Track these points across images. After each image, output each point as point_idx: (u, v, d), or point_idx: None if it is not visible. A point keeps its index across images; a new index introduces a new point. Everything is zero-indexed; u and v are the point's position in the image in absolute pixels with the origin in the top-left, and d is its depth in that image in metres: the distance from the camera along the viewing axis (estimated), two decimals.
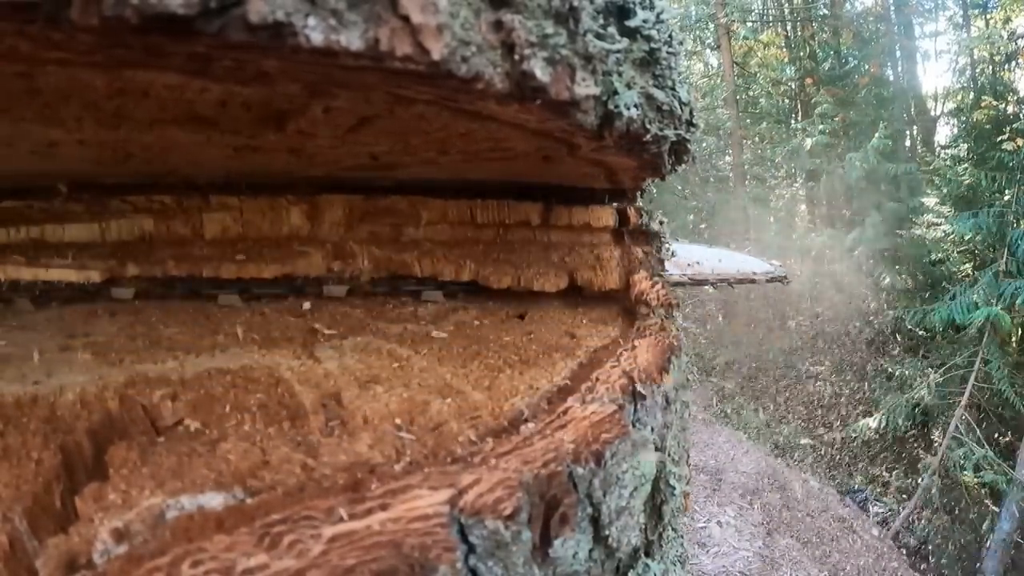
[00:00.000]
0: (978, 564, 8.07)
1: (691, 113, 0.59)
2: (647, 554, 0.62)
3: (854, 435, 9.59)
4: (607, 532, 0.49)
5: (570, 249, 0.94)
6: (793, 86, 13.98)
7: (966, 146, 11.91)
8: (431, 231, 0.92)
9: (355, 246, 0.87)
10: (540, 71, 0.39)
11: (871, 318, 11.55)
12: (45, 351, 0.62)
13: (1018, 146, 8.32)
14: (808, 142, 11.06)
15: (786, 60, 14.07)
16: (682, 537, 0.75)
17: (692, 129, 0.60)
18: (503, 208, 0.94)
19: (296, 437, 0.48)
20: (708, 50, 16.21)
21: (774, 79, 14.21)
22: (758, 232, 12.37)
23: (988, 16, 12.98)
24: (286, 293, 0.84)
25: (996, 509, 8.35)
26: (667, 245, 0.94)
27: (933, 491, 8.24)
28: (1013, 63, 11.95)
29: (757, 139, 14.59)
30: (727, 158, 15.41)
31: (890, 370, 10.23)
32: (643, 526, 0.59)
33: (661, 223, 0.92)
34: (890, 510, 9.10)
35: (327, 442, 0.47)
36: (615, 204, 0.93)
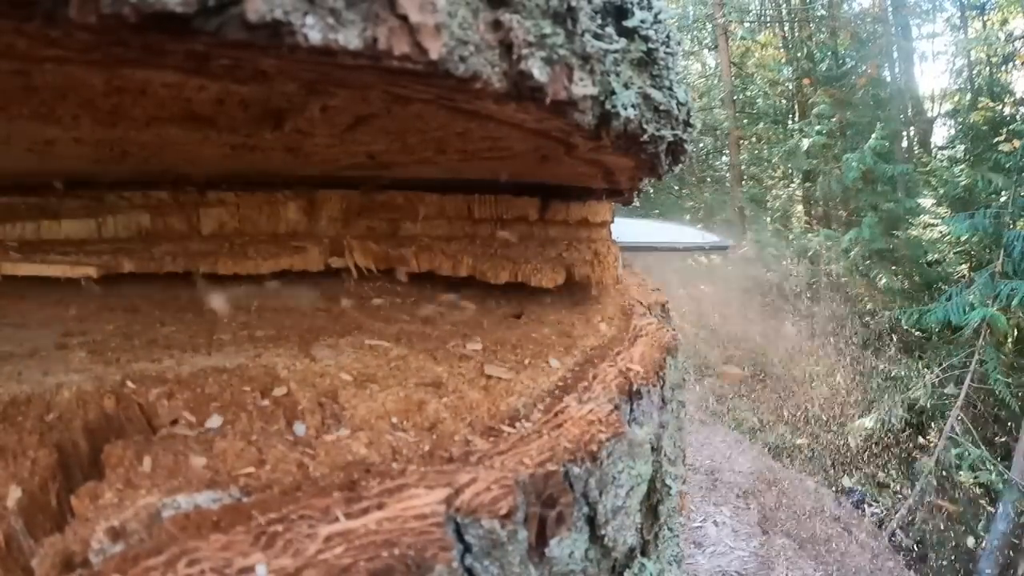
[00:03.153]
0: (974, 564, 8.10)
1: (688, 113, 0.59)
2: (643, 553, 0.62)
3: (850, 435, 9.60)
4: (603, 531, 0.49)
5: (568, 244, 0.94)
6: (790, 86, 13.99)
7: (963, 147, 11.95)
8: (428, 226, 0.92)
9: (352, 241, 0.87)
10: (538, 71, 0.39)
11: (867, 318, 11.57)
12: (41, 349, 0.62)
13: (1015, 147, 8.33)
14: (805, 142, 11.06)
15: (784, 60, 14.07)
16: (678, 536, 0.75)
17: (689, 129, 0.61)
18: (500, 203, 0.94)
19: (292, 436, 0.48)
20: (706, 50, 16.22)
21: (771, 79, 14.21)
22: (755, 232, 12.39)
23: (985, 18, 13.01)
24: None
25: (992, 509, 8.37)
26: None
27: (929, 491, 8.26)
28: (1010, 64, 11.99)
29: (754, 139, 14.59)
30: (724, 158, 15.43)
31: (886, 370, 10.26)
32: (639, 525, 0.59)
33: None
34: (886, 510, 9.12)
35: (323, 441, 0.47)
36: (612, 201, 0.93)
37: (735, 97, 13.93)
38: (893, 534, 8.36)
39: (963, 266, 10.78)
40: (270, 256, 0.82)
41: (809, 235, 11.75)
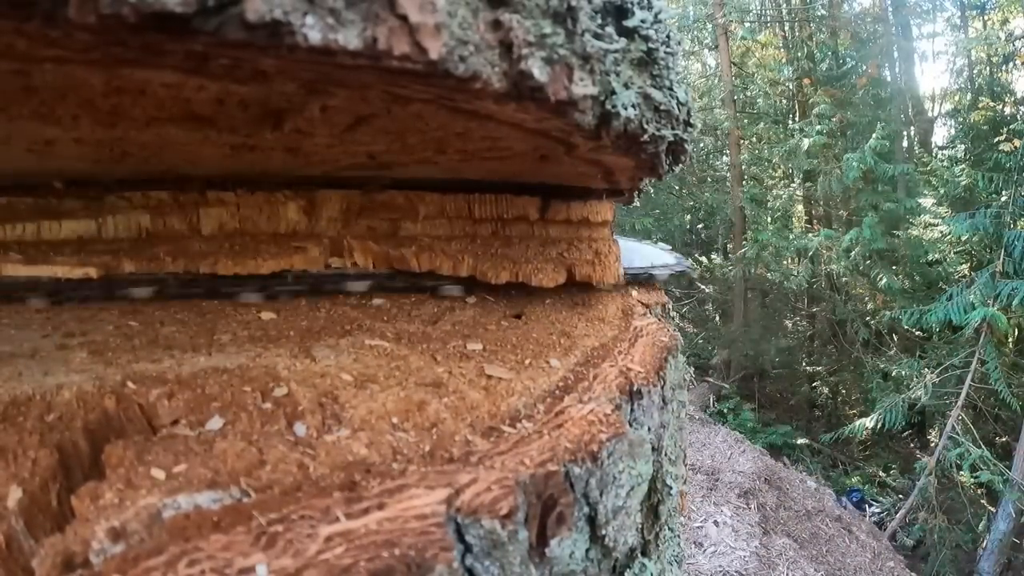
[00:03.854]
0: (974, 564, 8.10)
1: (688, 113, 0.59)
2: (643, 553, 0.62)
3: (851, 435, 9.60)
4: (604, 532, 0.49)
5: (569, 244, 0.94)
6: (791, 86, 13.97)
7: (963, 147, 11.96)
8: (429, 226, 0.92)
9: (352, 241, 0.87)
10: (538, 71, 0.39)
11: (868, 318, 11.56)
12: (42, 350, 0.62)
13: (1015, 147, 8.33)
14: (805, 142, 11.04)
15: (784, 60, 14.04)
16: (678, 536, 0.75)
17: (689, 129, 0.60)
18: (501, 203, 0.94)
19: (293, 436, 0.48)
20: (706, 50, 16.22)
21: (772, 79, 14.18)
22: (755, 232, 12.39)
23: (986, 17, 13.01)
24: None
25: (992, 509, 8.37)
26: None
27: (929, 491, 8.26)
28: (1010, 64, 11.98)
29: (754, 139, 14.58)
30: (724, 158, 15.41)
31: (887, 370, 10.25)
32: (640, 526, 0.59)
33: None
34: (886, 510, 9.12)
35: (324, 441, 0.47)
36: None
37: (735, 97, 13.91)
38: (894, 534, 8.36)
39: (963, 266, 10.78)
40: (270, 256, 0.82)
41: (809, 235, 11.73)
